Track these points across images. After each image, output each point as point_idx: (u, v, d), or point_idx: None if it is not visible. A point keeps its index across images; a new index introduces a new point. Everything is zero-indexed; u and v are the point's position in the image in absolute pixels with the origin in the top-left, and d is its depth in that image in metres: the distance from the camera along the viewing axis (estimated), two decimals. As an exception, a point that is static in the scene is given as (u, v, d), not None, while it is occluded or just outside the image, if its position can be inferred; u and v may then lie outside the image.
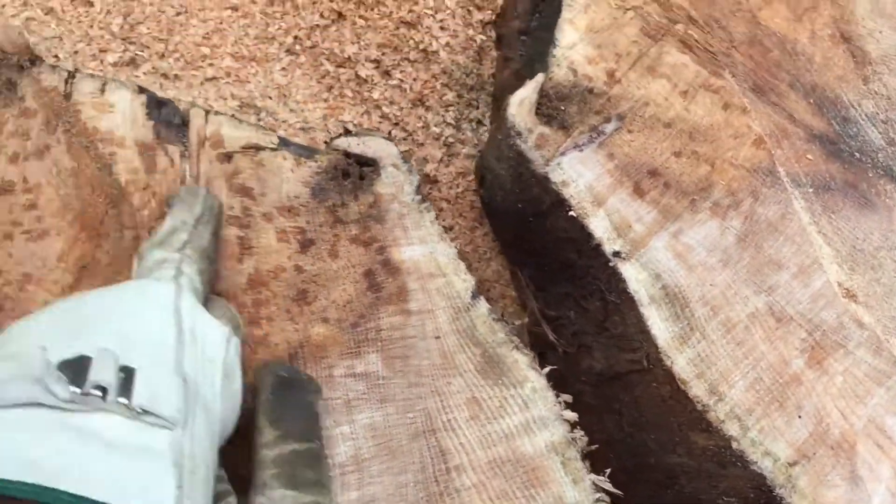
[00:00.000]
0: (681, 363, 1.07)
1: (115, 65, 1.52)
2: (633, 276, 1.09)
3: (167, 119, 1.20)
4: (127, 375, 0.69)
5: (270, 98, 1.50)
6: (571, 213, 1.05)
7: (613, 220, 1.11)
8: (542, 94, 1.12)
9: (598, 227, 1.05)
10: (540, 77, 1.12)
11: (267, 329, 1.08)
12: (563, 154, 1.07)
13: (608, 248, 1.08)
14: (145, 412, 0.68)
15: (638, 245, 1.11)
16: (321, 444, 0.95)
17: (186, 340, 0.81)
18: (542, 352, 1.20)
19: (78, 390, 0.65)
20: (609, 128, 1.14)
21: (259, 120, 1.44)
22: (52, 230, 1.12)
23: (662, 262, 1.12)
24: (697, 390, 1.06)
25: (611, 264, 1.08)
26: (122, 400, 0.67)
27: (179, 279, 0.93)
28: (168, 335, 0.80)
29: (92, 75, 1.21)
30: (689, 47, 1.30)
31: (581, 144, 1.08)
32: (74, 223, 1.13)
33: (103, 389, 0.67)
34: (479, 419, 1.03)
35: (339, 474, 0.99)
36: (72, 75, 1.21)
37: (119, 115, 1.19)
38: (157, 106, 1.20)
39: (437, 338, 1.08)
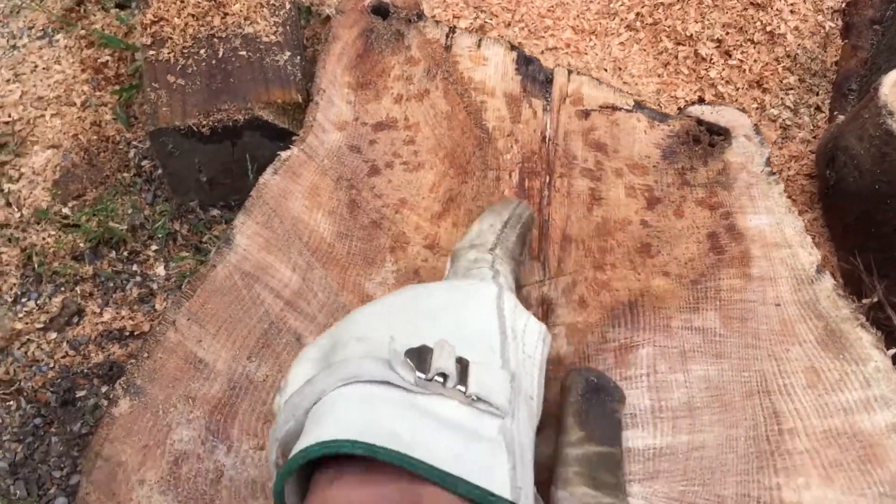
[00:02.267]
0: None
1: (466, 30, 1.66)
2: None
3: (533, 75, 1.31)
4: (462, 366, 0.77)
5: (605, 70, 1.57)
6: (944, 195, 1.02)
7: None
8: (918, 75, 1.10)
9: (976, 212, 1.02)
10: (918, 58, 1.10)
11: (610, 274, 1.14)
12: (940, 135, 1.05)
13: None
14: (479, 400, 0.76)
15: None
16: (621, 450, 0.99)
17: (509, 337, 0.88)
18: (877, 338, 1.17)
19: (423, 376, 0.74)
20: None
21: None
22: (426, 164, 1.26)
23: None
24: None
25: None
26: (460, 387, 0.76)
27: (498, 279, 1.01)
28: (493, 333, 0.87)
29: (469, 31, 1.35)
30: None
31: (962, 127, 1.05)
32: (445, 160, 1.26)
33: (444, 376, 0.75)
34: (817, 388, 1.03)
35: (671, 417, 1.03)
36: (452, 30, 1.35)
37: (491, 68, 1.32)
38: (525, 62, 1.32)
39: (778, 305, 1.10)
